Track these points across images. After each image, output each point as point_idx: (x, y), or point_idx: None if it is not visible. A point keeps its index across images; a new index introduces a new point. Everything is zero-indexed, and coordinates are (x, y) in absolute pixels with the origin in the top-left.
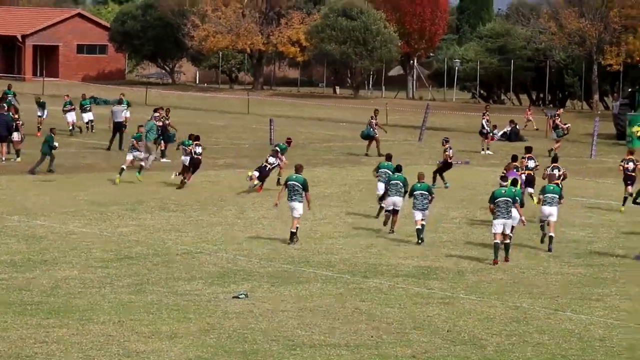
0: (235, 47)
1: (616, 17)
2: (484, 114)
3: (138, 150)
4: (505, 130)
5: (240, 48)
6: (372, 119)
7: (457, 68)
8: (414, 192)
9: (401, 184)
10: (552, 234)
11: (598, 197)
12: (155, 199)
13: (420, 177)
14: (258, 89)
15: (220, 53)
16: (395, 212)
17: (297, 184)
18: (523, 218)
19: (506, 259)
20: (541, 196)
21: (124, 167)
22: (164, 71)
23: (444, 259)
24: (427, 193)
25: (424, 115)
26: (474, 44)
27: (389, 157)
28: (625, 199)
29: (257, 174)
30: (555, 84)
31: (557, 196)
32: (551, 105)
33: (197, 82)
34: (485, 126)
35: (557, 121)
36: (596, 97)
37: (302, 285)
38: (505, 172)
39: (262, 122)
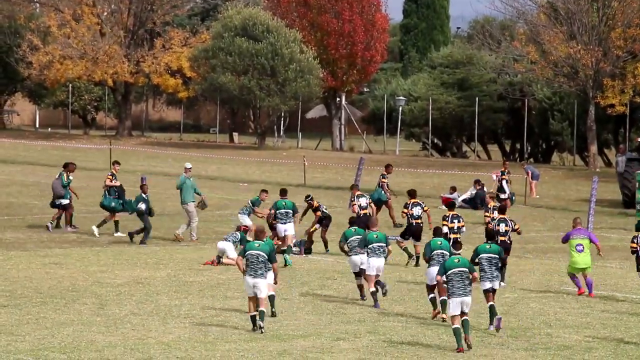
0: (91, 77)
1: (619, 40)
2: (502, 174)
3: None
4: (469, 193)
5: (99, 79)
6: (383, 177)
7: (400, 109)
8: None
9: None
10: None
11: (597, 286)
12: None
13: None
14: (124, 136)
15: (70, 86)
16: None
17: (261, 253)
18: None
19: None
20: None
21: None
22: None
23: None
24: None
25: (356, 172)
26: (424, 75)
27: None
28: None
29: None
30: (537, 130)
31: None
32: (531, 160)
33: (37, 126)
34: (506, 189)
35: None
36: (593, 149)
37: None
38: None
39: (131, 181)
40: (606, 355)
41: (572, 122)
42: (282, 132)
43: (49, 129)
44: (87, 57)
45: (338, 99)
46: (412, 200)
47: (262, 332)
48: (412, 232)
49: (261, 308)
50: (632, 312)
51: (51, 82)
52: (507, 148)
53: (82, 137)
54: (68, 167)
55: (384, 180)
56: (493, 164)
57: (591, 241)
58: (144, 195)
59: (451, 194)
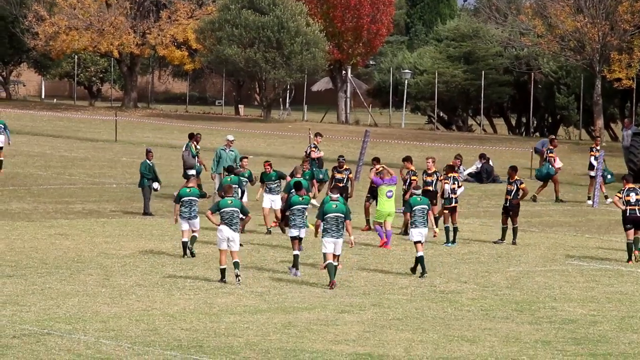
0: (97, 49)
1: (627, 14)
2: (591, 150)
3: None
4: (475, 167)
5: (105, 50)
6: (550, 152)
7: (406, 82)
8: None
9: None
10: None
11: (603, 260)
12: None
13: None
14: (130, 108)
15: (76, 57)
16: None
17: (235, 209)
18: (352, 238)
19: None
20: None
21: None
22: None
23: (390, 344)
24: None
25: (361, 145)
26: (430, 49)
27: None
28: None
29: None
30: (543, 104)
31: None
32: (537, 135)
33: (43, 96)
34: (594, 164)
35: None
36: (600, 123)
37: None
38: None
39: (136, 153)
40: (611, 329)
41: (578, 96)
42: (287, 105)
43: (55, 100)
44: (92, 28)
45: (344, 71)
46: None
47: (239, 282)
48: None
49: (235, 259)
50: (637, 285)
51: (57, 53)
52: (513, 122)
53: (88, 108)
54: (194, 137)
55: (551, 155)
56: (499, 138)
57: None
58: (149, 162)
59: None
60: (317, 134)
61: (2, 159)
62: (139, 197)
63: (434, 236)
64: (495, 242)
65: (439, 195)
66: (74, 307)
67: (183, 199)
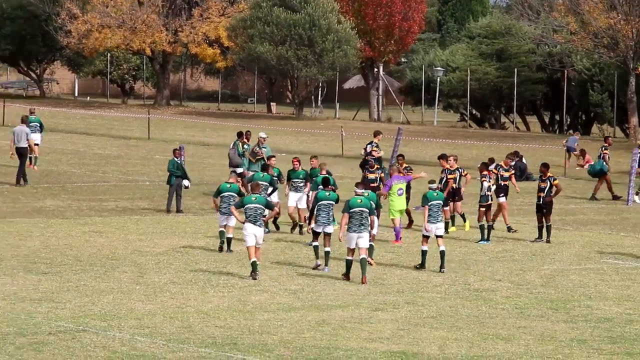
0: (129, 46)
1: None
2: (605, 149)
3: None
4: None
5: (137, 48)
6: (604, 149)
7: (438, 79)
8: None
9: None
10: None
11: (639, 258)
12: (17, 256)
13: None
14: (162, 105)
15: (109, 55)
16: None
17: (259, 205)
18: (374, 232)
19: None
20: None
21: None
22: (28, 79)
23: (425, 342)
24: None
25: (394, 143)
26: (462, 46)
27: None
28: None
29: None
30: (577, 102)
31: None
32: (571, 132)
33: (77, 94)
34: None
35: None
36: (634, 120)
37: None
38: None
39: (169, 150)
40: None
41: (612, 94)
42: (319, 103)
43: (88, 97)
44: (125, 26)
45: (375, 69)
46: None
47: (254, 279)
48: None
49: (256, 258)
50: None
51: (90, 51)
52: (546, 119)
53: (121, 106)
54: (244, 135)
55: (605, 152)
56: (532, 136)
57: None
58: (176, 160)
59: (489, 165)
60: (377, 133)
61: (37, 155)
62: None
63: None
64: (532, 241)
65: (462, 190)
66: (109, 304)
67: (223, 194)
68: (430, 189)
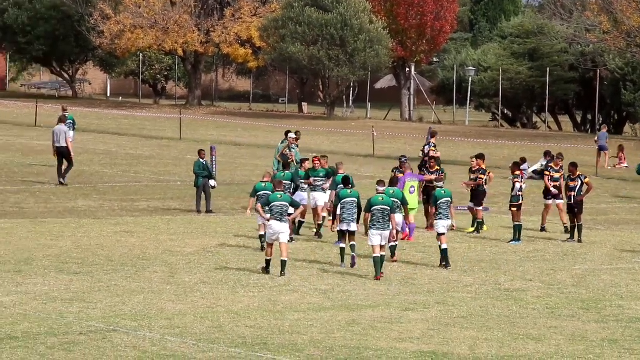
0: (161, 47)
1: None
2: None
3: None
4: (539, 164)
5: (169, 49)
6: None
7: (470, 79)
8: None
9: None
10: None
11: None
12: (49, 257)
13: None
14: (194, 105)
15: (141, 55)
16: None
17: (284, 203)
18: (394, 231)
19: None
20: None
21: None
22: (61, 79)
23: (455, 342)
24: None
25: (425, 143)
26: (494, 46)
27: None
28: None
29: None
30: (609, 101)
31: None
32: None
33: (109, 95)
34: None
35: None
36: None
37: None
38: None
39: None
40: None
41: None
42: (351, 102)
43: (120, 97)
44: (157, 27)
45: (407, 69)
46: None
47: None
48: None
49: (283, 257)
50: None
51: (122, 52)
52: (578, 119)
53: (153, 106)
54: (296, 135)
55: None
56: (564, 135)
57: None
58: (202, 161)
59: (521, 164)
60: (434, 133)
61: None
62: (202, 195)
63: (452, 228)
64: (564, 241)
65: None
66: (140, 304)
67: (259, 193)
68: (437, 187)
